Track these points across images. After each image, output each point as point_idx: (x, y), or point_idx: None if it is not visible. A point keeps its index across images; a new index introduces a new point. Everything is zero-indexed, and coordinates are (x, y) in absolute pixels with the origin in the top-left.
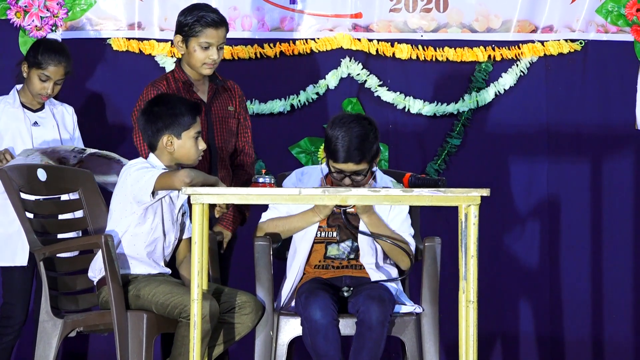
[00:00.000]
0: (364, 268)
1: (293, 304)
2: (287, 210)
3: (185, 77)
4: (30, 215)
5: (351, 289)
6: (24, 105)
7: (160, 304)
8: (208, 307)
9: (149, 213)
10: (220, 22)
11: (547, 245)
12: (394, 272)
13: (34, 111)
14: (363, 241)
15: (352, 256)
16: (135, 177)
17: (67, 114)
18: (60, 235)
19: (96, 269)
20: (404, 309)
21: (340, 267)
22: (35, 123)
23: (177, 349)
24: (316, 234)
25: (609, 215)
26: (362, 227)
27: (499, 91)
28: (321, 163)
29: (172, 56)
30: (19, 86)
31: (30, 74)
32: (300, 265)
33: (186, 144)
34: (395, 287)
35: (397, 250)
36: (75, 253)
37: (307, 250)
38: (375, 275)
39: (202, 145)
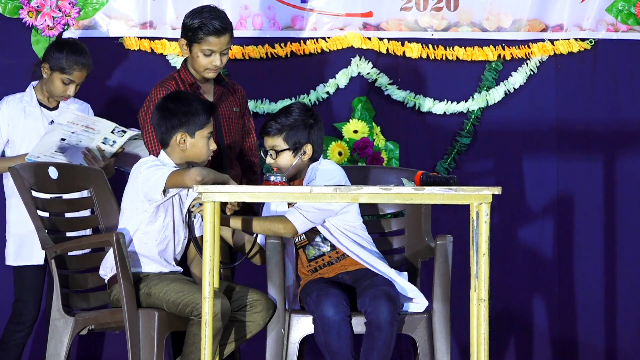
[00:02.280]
0: (350, 257)
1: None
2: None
3: (192, 78)
4: (44, 214)
5: None
6: (40, 104)
7: (171, 302)
8: (219, 305)
9: (160, 211)
10: (222, 29)
11: (558, 243)
12: (381, 257)
13: (51, 109)
14: (325, 230)
15: (329, 249)
16: (146, 175)
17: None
18: (72, 234)
19: (107, 267)
20: (411, 307)
21: (329, 263)
22: (52, 122)
23: (189, 347)
24: (294, 240)
25: (619, 213)
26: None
27: (508, 90)
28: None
29: (183, 55)
30: (34, 83)
31: (52, 77)
32: (293, 267)
33: (199, 143)
34: (391, 277)
35: (267, 227)
36: (87, 251)
37: (292, 254)
38: (368, 258)
39: (213, 146)
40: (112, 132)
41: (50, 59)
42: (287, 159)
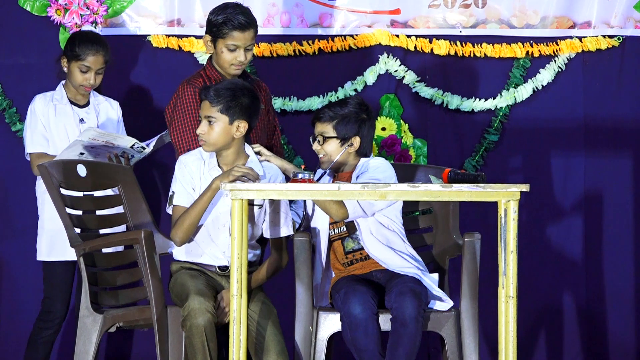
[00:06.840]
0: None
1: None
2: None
3: (218, 75)
4: (73, 211)
5: None
6: (71, 102)
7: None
8: (195, 303)
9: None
10: (247, 24)
11: (587, 240)
12: (415, 257)
13: (81, 107)
14: (359, 226)
15: None
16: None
17: (111, 110)
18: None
19: None
20: (437, 305)
21: (366, 258)
22: (82, 120)
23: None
24: (329, 233)
25: None
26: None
27: (536, 87)
28: None
29: (208, 52)
30: (64, 82)
31: (70, 68)
32: (322, 264)
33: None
34: (421, 275)
35: (328, 202)
36: (120, 248)
37: (324, 248)
38: (391, 259)
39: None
40: (131, 147)
41: (66, 51)
42: (333, 147)
